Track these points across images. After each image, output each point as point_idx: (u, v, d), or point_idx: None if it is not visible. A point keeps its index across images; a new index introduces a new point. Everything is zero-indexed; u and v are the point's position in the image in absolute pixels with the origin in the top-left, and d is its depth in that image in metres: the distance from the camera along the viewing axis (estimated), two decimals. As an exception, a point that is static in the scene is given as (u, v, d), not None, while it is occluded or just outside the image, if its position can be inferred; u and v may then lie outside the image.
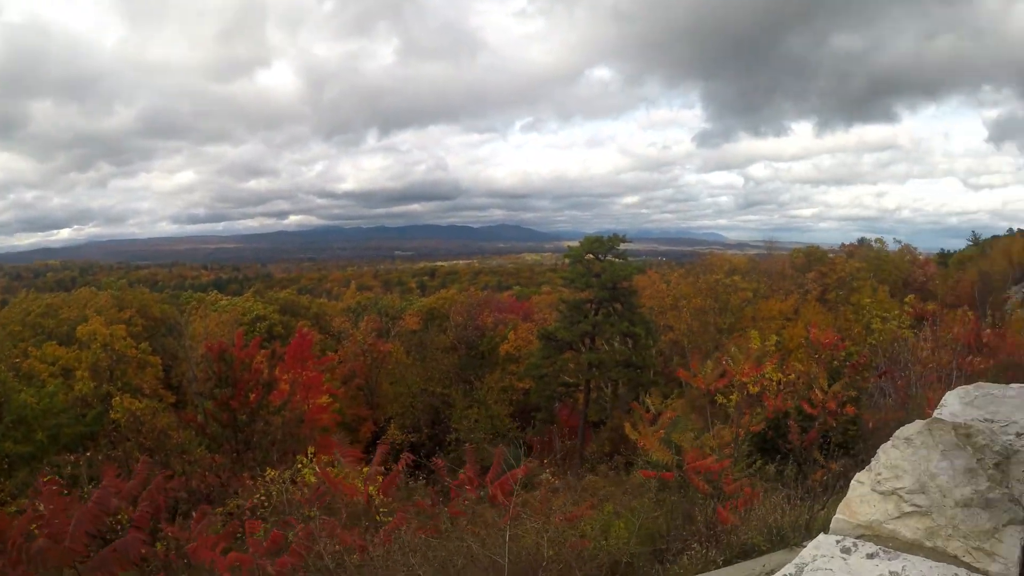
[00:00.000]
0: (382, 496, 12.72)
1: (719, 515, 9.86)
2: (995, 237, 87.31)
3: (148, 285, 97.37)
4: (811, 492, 10.74)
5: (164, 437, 24.56)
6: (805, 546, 2.51)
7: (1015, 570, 2.33)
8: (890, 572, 2.24)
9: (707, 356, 27.49)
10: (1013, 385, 3.74)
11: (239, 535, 12.30)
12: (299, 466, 15.03)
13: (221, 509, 15.85)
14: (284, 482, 14.42)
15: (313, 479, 13.84)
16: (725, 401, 19.79)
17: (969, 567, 2.34)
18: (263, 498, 14.15)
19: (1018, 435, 3.08)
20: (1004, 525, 2.48)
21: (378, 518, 11.70)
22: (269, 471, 15.25)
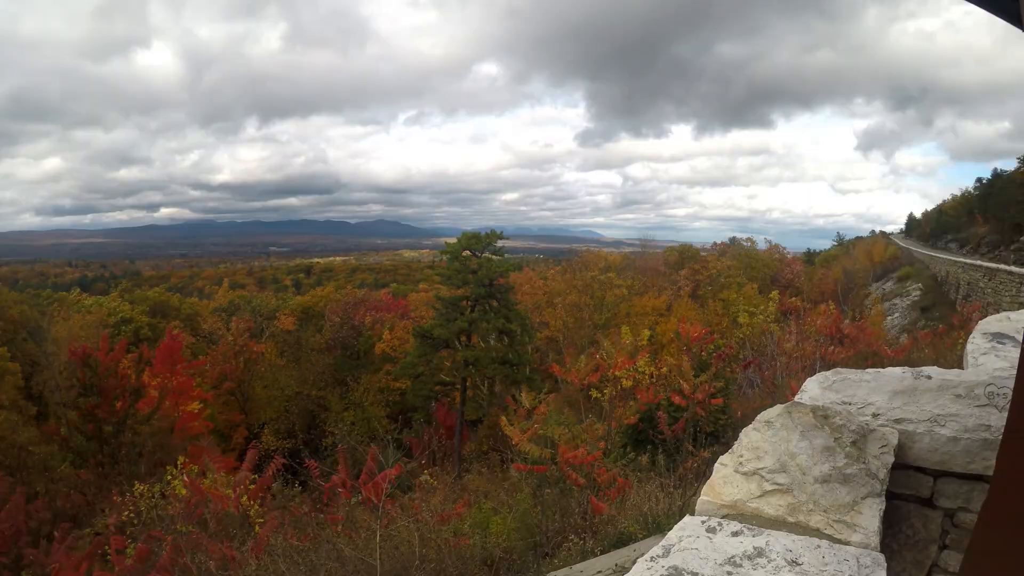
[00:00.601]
0: (255, 504, 12.35)
1: (594, 505, 9.96)
2: (858, 238, 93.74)
3: (8, 283, 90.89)
4: (683, 480, 10.99)
5: (25, 454, 23.08)
6: (679, 530, 2.53)
7: (875, 539, 2.40)
8: (754, 548, 2.27)
9: (582, 352, 27.91)
10: (869, 370, 3.95)
11: (105, 555, 11.70)
12: (168, 478, 14.41)
13: (89, 530, 15.06)
14: (154, 496, 13.83)
15: (184, 491, 13.27)
16: (599, 395, 20.16)
17: (831, 539, 2.40)
18: (132, 515, 13.50)
19: (874, 416, 3.30)
20: (863, 498, 2.57)
21: (256, 529, 11.33)
22: (137, 486, 14.57)
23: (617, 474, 11.97)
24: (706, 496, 2.73)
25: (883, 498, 2.65)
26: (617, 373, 20.66)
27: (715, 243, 75.51)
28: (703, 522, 2.48)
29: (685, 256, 61.69)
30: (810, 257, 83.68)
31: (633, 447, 16.17)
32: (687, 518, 2.55)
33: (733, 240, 74.61)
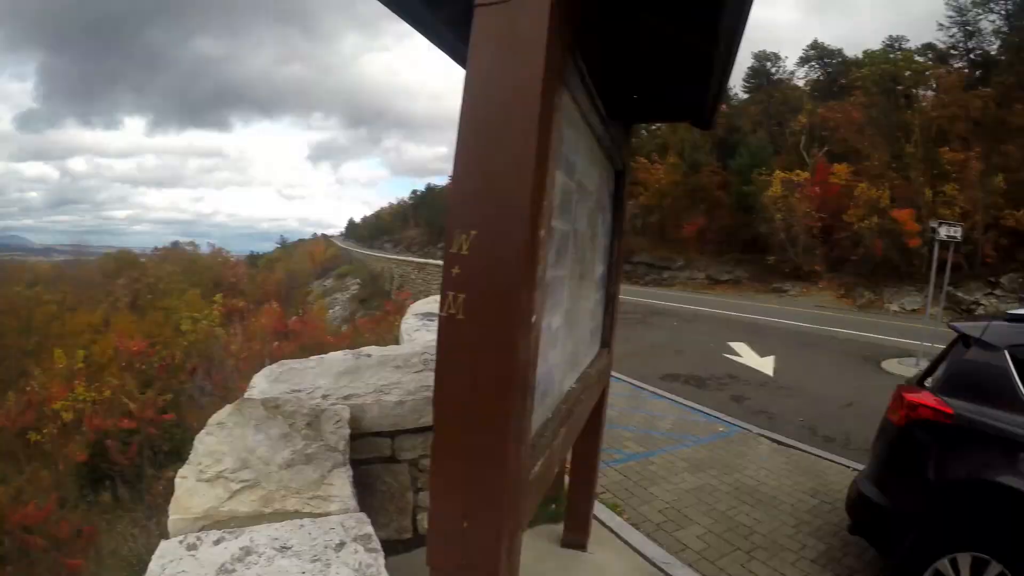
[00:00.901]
0: None
1: (68, 568, 9.09)
2: (301, 240, 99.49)
3: None
4: (154, 507, 10.53)
5: None
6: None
7: (352, 502, 2.63)
8: (240, 549, 2.29)
9: (10, 388, 25.10)
10: (313, 358, 4.41)
11: None
12: None
13: None
14: None
15: None
16: (39, 437, 18.35)
17: (312, 515, 2.55)
18: None
19: (324, 397, 3.65)
20: (329, 471, 2.80)
21: None
22: None
23: (80, 523, 11.03)
24: (176, 514, 2.63)
25: (349, 466, 2.88)
26: (55, 406, 19.02)
27: (156, 248, 73.60)
28: (181, 541, 2.41)
29: (123, 263, 58.88)
30: (255, 260, 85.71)
31: (92, 487, 15.02)
32: (163, 543, 2.45)
33: (176, 244, 73.52)
